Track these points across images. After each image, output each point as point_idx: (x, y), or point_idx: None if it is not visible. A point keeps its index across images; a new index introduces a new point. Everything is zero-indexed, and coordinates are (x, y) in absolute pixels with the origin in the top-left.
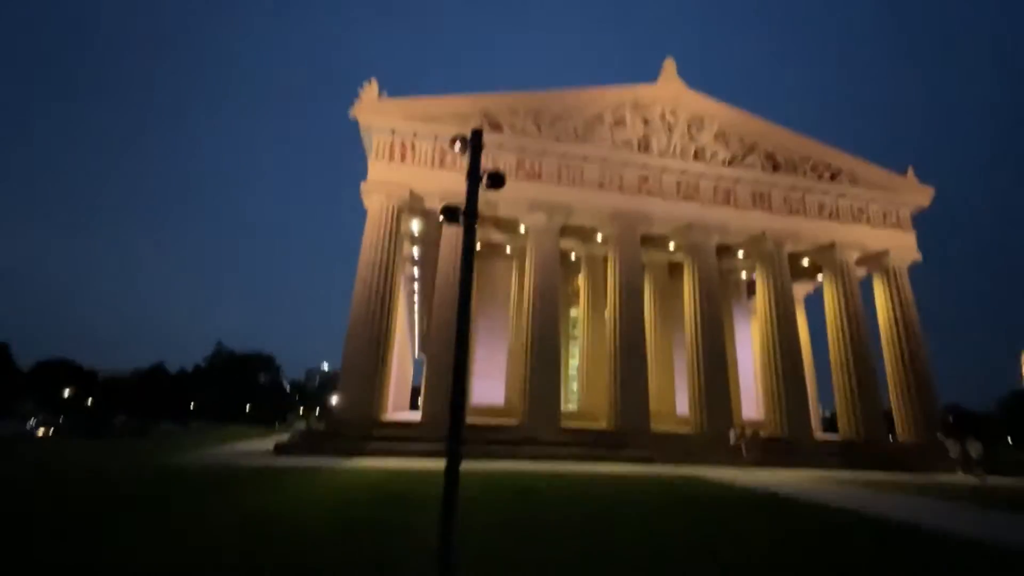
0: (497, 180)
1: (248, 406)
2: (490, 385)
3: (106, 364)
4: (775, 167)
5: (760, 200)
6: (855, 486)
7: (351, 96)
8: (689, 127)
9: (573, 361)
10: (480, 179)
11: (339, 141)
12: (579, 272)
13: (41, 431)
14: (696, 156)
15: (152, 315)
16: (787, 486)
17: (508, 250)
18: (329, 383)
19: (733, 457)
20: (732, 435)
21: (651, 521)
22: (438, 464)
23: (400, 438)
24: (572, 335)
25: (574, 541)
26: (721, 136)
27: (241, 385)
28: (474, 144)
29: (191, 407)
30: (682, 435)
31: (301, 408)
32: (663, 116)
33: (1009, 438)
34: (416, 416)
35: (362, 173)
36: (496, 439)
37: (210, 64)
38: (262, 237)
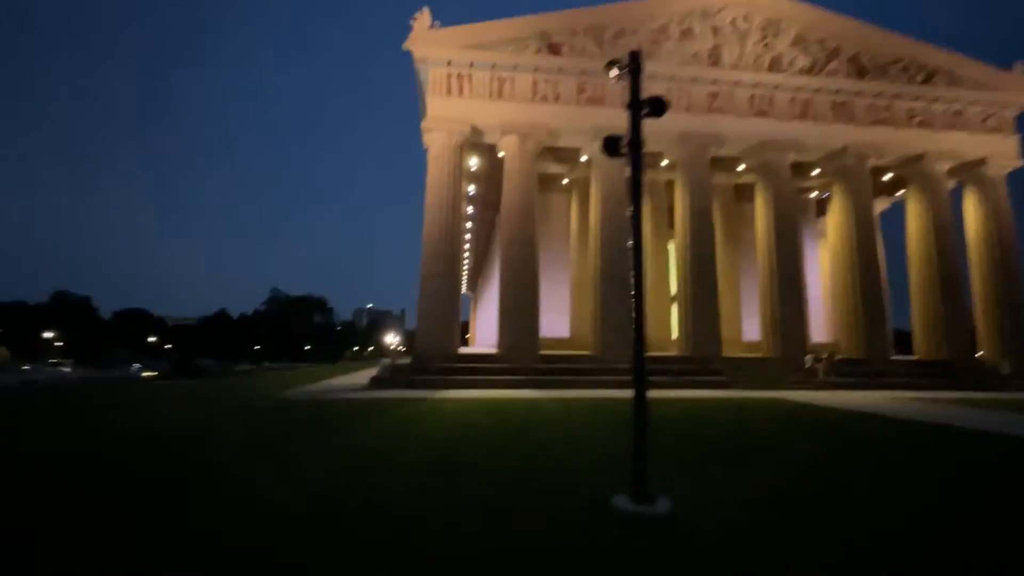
0: (658, 107)
1: (306, 346)
2: (554, 318)
3: (173, 312)
4: (860, 72)
5: (841, 111)
6: (962, 405)
7: (395, 35)
8: (764, 34)
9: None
10: (641, 107)
11: (383, 85)
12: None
13: (146, 374)
14: (771, 66)
15: (212, 265)
16: (895, 408)
17: (565, 182)
18: (378, 321)
19: (808, 380)
20: (808, 358)
21: (786, 441)
22: (526, 393)
23: (480, 371)
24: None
25: (758, 457)
26: (800, 41)
27: (298, 326)
28: (633, 69)
29: (254, 349)
30: (753, 359)
31: (355, 347)
32: (734, 23)
33: None
34: (486, 348)
35: (403, 112)
36: (571, 369)
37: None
38: (306, 188)
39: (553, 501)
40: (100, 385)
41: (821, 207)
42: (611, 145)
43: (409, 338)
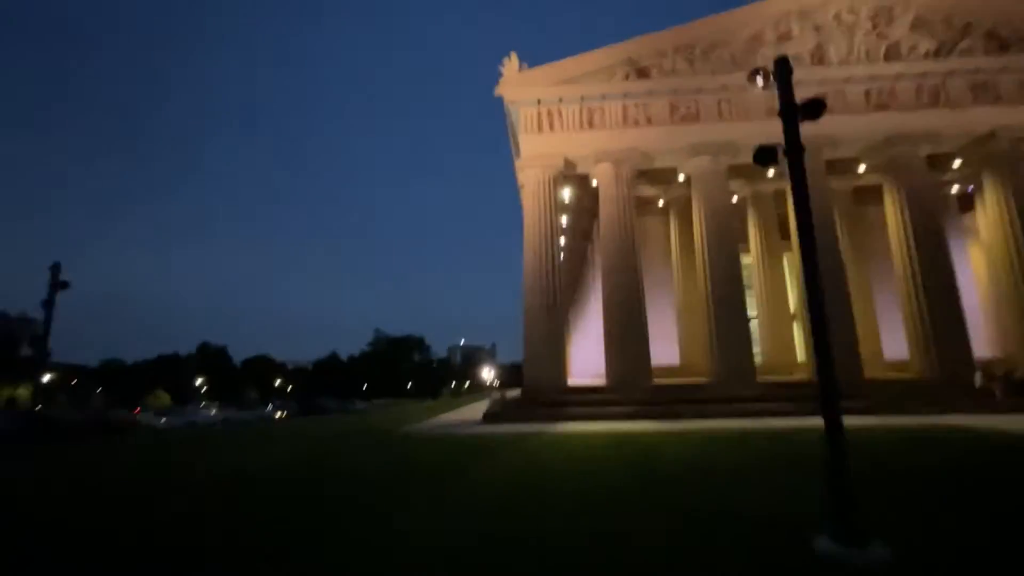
0: (815, 109)
1: (407, 383)
2: (661, 345)
3: (289, 353)
4: (1002, 47)
5: (983, 92)
6: None
7: (478, 82)
8: (875, 23)
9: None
10: (795, 109)
11: (470, 128)
12: (744, 215)
13: (279, 414)
14: (888, 56)
15: (318, 307)
16: None
17: (661, 203)
18: (471, 356)
19: (980, 403)
20: (978, 377)
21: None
22: (644, 426)
23: (590, 403)
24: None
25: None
26: (920, 24)
27: (400, 365)
28: (782, 74)
29: (363, 387)
30: (899, 381)
31: (453, 382)
32: (838, 17)
33: None
34: (592, 380)
35: (496, 153)
36: (686, 399)
37: (348, 66)
38: (400, 230)
39: (742, 540)
40: (248, 424)
41: (965, 203)
42: (765, 155)
43: (504, 372)
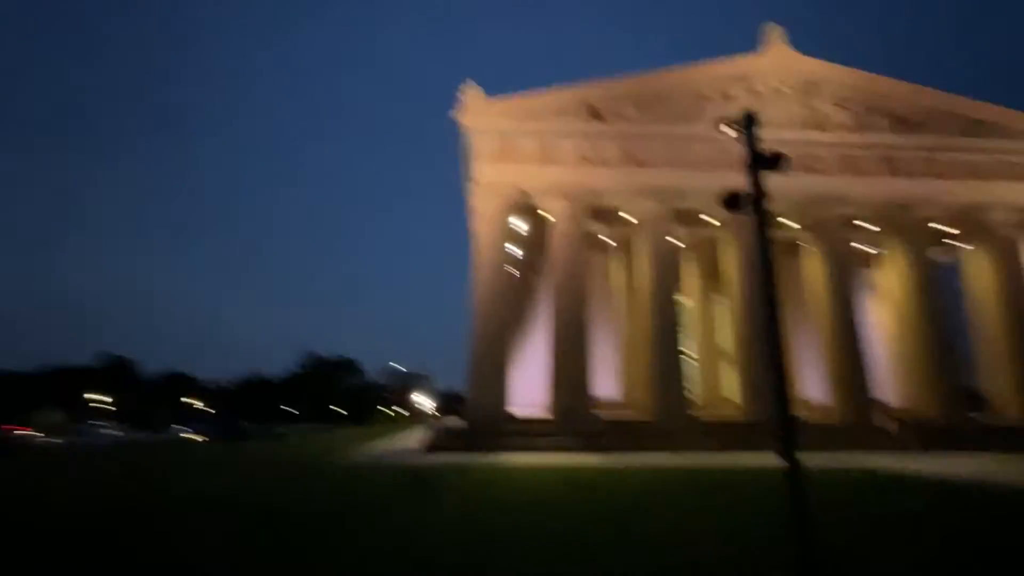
0: (775, 162)
1: (337, 408)
2: (603, 380)
3: (209, 371)
4: (905, 128)
5: (890, 165)
6: None
7: (424, 102)
8: (804, 95)
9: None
10: (761, 163)
11: (409, 146)
12: (681, 260)
13: (197, 438)
14: (814, 125)
15: (246, 329)
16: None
17: (606, 241)
18: (406, 382)
19: (884, 443)
20: (882, 420)
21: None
22: (587, 459)
23: (534, 433)
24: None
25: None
26: (841, 101)
27: (330, 389)
28: (748, 128)
29: (288, 411)
30: (816, 422)
31: (387, 408)
32: (774, 86)
33: None
34: (534, 411)
35: (438, 175)
36: (627, 433)
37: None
38: (335, 246)
39: None
40: (158, 448)
41: (869, 261)
42: (733, 201)
43: (441, 400)
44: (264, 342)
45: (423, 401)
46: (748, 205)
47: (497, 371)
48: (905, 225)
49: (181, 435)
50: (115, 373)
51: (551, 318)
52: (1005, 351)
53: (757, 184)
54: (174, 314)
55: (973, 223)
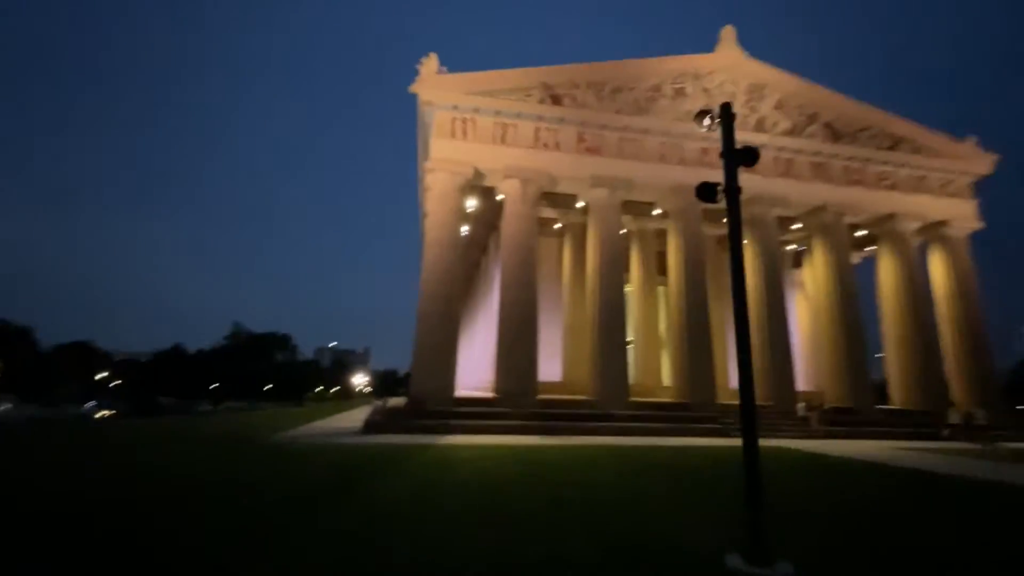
0: (751, 157)
1: (266, 385)
2: (546, 362)
3: (126, 347)
4: (835, 137)
5: (820, 171)
6: (969, 456)
7: (378, 80)
8: (749, 97)
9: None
10: (736, 155)
11: (362, 123)
12: (628, 248)
13: (102, 414)
14: (757, 127)
15: (169, 299)
16: (902, 458)
17: (557, 226)
18: (341, 360)
19: (801, 429)
20: (801, 407)
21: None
22: (532, 440)
23: (478, 415)
24: None
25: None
26: (781, 106)
27: (259, 365)
28: (726, 118)
29: (212, 387)
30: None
31: (322, 386)
32: (723, 86)
33: None
34: (477, 391)
35: (371, 144)
36: (570, 415)
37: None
38: (268, 221)
39: (661, 562)
40: (58, 425)
41: (796, 259)
42: (706, 191)
43: (378, 379)
44: (194, 316)
45: (359, 380)
46: (721, 195)
47: (444, 351)
48: (830, 228)
49: (87, 411)
50: (8, 342)
51: (500, 298)
52: (902, 347)
53: (732, 176)
54: (86, 283)
55: (886, 230)
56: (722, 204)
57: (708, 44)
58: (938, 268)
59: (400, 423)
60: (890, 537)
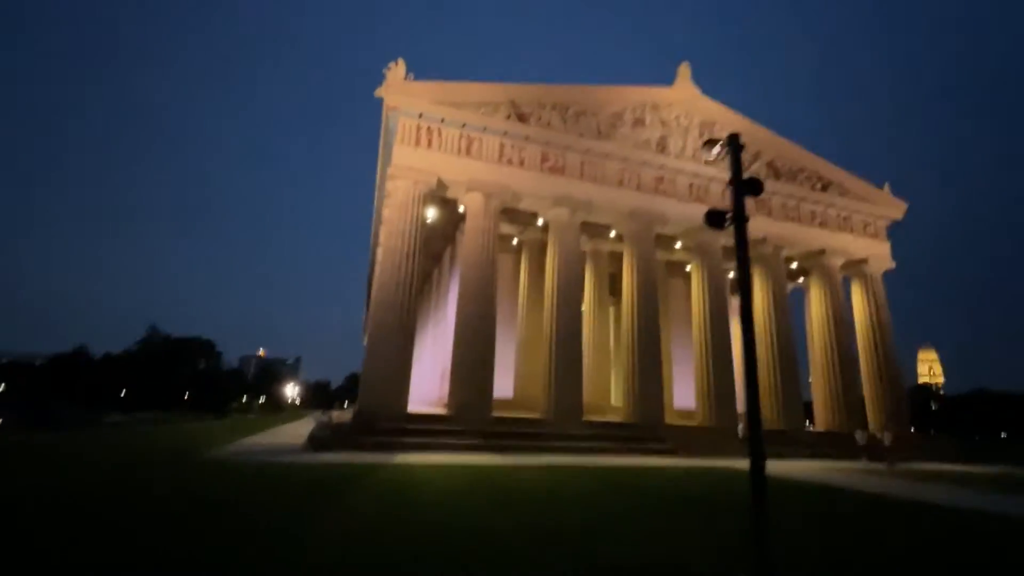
0: (756, 187)
1: (184, 394)
2: (498, 378)
3: (20, 349)
4: (776, 175)
5: (761, 205)
6: (885, 476)
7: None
8: (701, 132)
9: None
10: (743, 184)
11: (293, 124)
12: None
13: None
14: (707, 160)
15: (75, 299)
16: (843, 479)
17: (514, 242)
18: (269, 370)
19: (742, 449)
20: (740, 428)
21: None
22: (489, 459)
23: (431, 432)
24: None
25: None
26: None
27: (178, 372)
28: (733, 148)
29: (122, 395)
30: (691, 428)
31: (248, 397)
32: (678, 119)
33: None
34: (427, 407)
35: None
36: (525, 433)
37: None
38: (188, 220)
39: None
40: None
41: (732, 287)
42: (715, 218)
43: (308, 391)
44: (104, 320)
45: (291, 391)
46: (726, 223)
47: (398, 364)
48: (769, 259)
49: None
50: None
51: (457, 312)
52: (828, 372)
53: (740, 203)
54: None
55: (816, 264)
56: (673, 231)
57: (661, 69)
58: (858, 301)
59: (349, 440)
60: (850, 547)
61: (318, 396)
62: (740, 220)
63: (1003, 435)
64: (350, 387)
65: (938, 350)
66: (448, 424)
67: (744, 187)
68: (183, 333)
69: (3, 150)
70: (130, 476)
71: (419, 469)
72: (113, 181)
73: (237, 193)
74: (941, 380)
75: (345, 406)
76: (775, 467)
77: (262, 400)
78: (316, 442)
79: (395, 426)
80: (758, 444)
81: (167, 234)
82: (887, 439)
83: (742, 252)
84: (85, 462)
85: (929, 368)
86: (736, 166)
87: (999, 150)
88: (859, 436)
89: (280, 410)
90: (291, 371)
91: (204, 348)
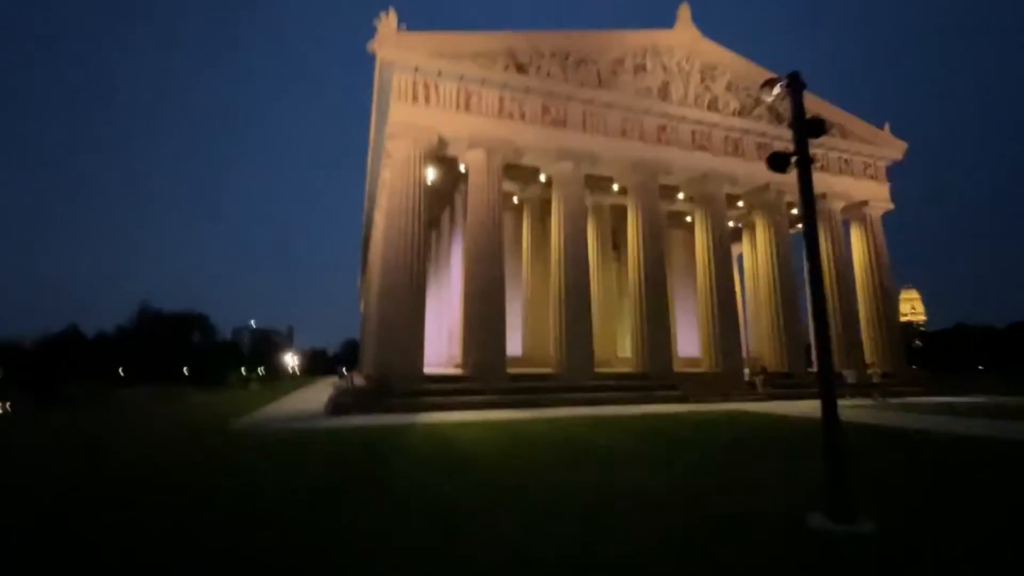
0: (820, 128)
1: (183, 368)
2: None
3: (4, 330)
4: (779, 119)
5: (764, 151)
6: (892, 411)
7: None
8: (703, 76)
9: None
10: (806, 125)
11: (274, 79)
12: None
13: None
14: (710, 106)
15: (61, 279)
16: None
17: (516, 200)
18: (263, 340)
19: (750, 392)
20: (746, 372)
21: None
22: (511, 414)
23: (448, 392)
24: None
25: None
26: (732, 87)
27: (174, 346)
28: (795, 88)
29: (120, 371)
30: (698, 374)
31: (246, 367)
32: (680, 64)
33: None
34: (443, 368)
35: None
36: (539, 387)
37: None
38: (173, 194)
39: (739, 523)
40: None
41: (734, 235)
42: (778, 161)
43: (306, 359)
44: (96, 297)
45: (289, 360)
46: (790, 165)
47: (411, 326)
48: (772, 205)
49: None
50: None
51: (465, 272)
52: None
53: (803, 146)
54: None
55: (817, 208)
56: (676, 181)
57: (658, 20)
58: (857, 243)
59: (369, 403)
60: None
61: (315, 363)
62: (804, 163)
63: (980, 368)
64: (347, 353)
65: (919, 288)
66: (465, 383)
67: (807, 127)
68: (171, 308)
69: None
70: (185, 455)
71: (452, 427)
72: (75, 157)
73: (211, 165)
74: (923, 318)
75: (345, 372)
76: (789, 407)
77: (261, 370)
78: (338, 407)
79: (414, 387)
80: (830, 390)
81: (145, 211)
82: (875, 377)
83: (807, 196)
84: (123, 442)
85: (912, 307)
86: (798, 107)
87: (990, 81)
88: (847, 374)
89: (279, 379)
90: (285, 340)
91: (197, 321)
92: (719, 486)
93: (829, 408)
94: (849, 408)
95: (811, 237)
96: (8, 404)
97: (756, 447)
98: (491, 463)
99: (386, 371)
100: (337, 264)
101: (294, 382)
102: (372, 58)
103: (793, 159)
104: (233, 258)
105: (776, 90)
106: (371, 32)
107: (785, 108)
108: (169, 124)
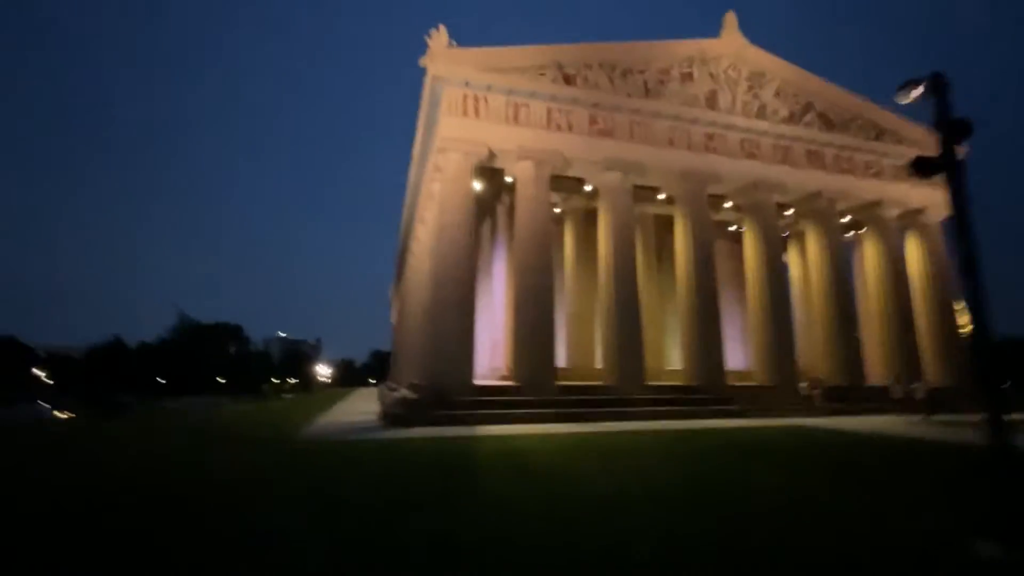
0: (966, 128)
1: (219, 378)
2: None
3: (49, 339)
4: (829, 126)
5: (814, 159)
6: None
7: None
8: (751, 84)
9: None
10: (953, 125)
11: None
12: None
13: (62, 415)
14: (758, 114)
15: (101, 290)
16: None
17: (558, 211)
18: (291, 351)
19: (806, 406)
20: (803, 386)
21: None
22: (568, 427)
23: (500, 404)
24: None
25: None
26: (780, 94)
27: (210, 357)
28: (940, 89)
29: (156, 381)
30: (751, 388)
31: (272, 378)
32: (727, 72)
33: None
34: (488, 379)
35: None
36: (592, 400)
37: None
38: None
39: (894, 552)
40: (35, 431)
41: (786, 244)
42: (923, 165)
43: (337, 369)
44: (134, 308)
45: (323, 371)
46: (938, 171)
47: (462, 339)
48: (824, 213)
49: (41, 412)
50: None
51: (515, 284)
52: (882, 326)
53: (949, 149)
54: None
55: (871, 216)
56: (724, 190)
57: (704, 30)
58: (914, 252)
59: (424, 415)
60: None
61: (347, 373)
62: (951, 166)
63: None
64: (375, 364)
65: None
66: (516, 395)
67: (954, 130)
68: (206, 318)
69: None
70: (281, 470)
71: (520, 439)
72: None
73: (243, 180)
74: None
75: (374, 382)
76: (855, 423)
77: (293, 381)
78: (393, 419)
79: (466, 399)
80: (997, 403)
81: (176, 222)
82: (920, 391)
83: (959, 203)
84: (218, 457)
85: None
86: (943, 108)
87: None
88: (896, 390)
89: (310, 390)
90: (315, 351)
91: (232, 332)
92: (855, 514)
93: (997, 420)
94: (937, 426)
95: (967, 252)
96: (71, 413)
97: (864, 471)
98: (582, 474)
99: (437, 382)
100: (361, 277)
101: (327, 393)
102: (409, 72)
103: (938, 163)
104: (261, 271)
105: (917, 91)
106: (417, 50)
107: (835, 114)
108: (178, 134)
